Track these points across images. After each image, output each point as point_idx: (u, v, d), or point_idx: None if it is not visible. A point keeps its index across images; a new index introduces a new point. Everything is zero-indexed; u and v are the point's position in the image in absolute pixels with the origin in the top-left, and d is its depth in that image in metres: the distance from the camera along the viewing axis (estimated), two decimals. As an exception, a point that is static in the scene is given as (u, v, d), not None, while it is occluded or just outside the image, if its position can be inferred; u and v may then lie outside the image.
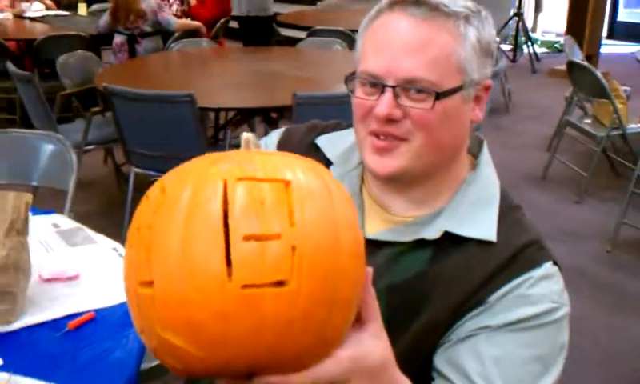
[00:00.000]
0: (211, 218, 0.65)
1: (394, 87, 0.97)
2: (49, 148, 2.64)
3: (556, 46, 9.46)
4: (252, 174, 0.68)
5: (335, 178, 1.10)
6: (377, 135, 1.01)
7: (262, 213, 0.65)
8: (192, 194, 0.67)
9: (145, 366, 1.42)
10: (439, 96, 0.97)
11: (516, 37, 8.68)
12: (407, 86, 0.97)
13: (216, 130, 4.54)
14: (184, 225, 0.65)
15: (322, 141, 1.20)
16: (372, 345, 0.79)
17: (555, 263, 1.02)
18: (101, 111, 4.02)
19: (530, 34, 8.94)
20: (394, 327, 1.02)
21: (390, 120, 0.98)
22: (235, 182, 0.67)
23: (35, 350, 1.35)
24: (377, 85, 0.99)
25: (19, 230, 1.43)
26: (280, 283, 0.64)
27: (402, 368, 0.86)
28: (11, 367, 1.26)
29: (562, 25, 8.66)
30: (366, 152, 1.04)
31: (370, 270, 0.80)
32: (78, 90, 4.15)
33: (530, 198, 4.46)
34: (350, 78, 1.04)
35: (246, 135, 0.78)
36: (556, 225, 4.06)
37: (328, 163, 1.15)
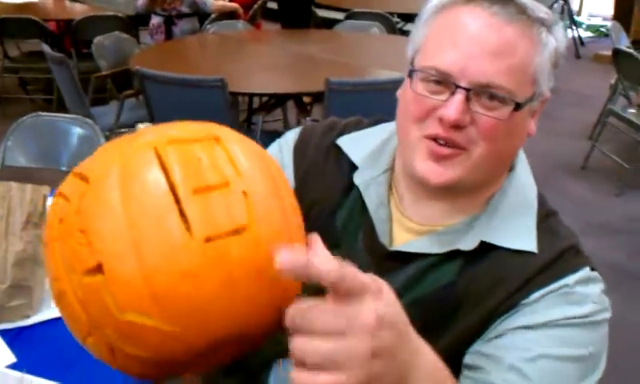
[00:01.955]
0: (153, 181, 0.61)
1: (467, 90, 0.89)
2: (78, 132, 2.65)
3: (602, 30, 9.20)
4: (179, 137, 0.66)
5: (360, 185, 1.06)
6: (434, 139, 0.92)
7: (204, 167, 0.63)
8: (121, 167, 0.63)
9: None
10: (519, 106, 0.90)
11: (560, 20, 8.45)
12: (483, 91, 0.89)
13: (249, 114, 4.50)
14: (122, 197, 0.61)
15: (345, 141, 1.11)
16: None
17: (593, 269, 0.96)
18: (134, 94, 4.02)
19: (575, 17, 8.71)
20: None
21: (456, 125, 0.90)
22: (166, 145, 0.64)
23: (50, 347, 1.34)
24: (447, 84, 0.91)
25: (36, 222, 1.41)
26: (240, 231, 0.61)
27: None
28: (25, 365, 1.25)
29: (609, 8, 8.41)
30: (417, 156, 0.94)
31: (315, 234, 0.68)
32: (112, 71, 4.16)
33: (568, 189, 4.35)
34: (413, 71, 0.94)
35: (140, 125, 0.73)
36: (594, 218, 3.95)
37: (352, 167, 1.07)
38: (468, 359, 0.94)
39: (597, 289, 0.94)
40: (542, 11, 0.91)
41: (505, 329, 0.92)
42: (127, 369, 0.64)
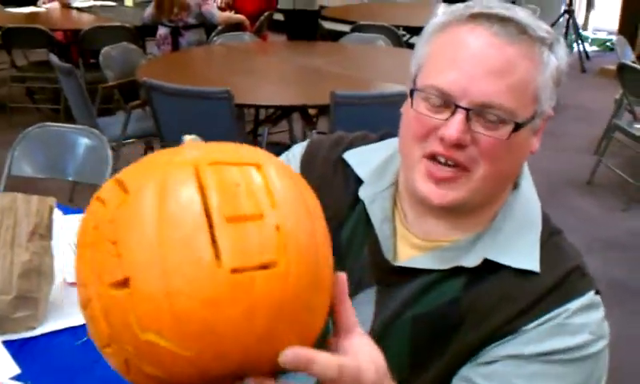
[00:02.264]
0: (189, 202, 0.61)
1: (467, 110, 0.89)
2: (85, 142, 2.66)
3: (607, 44, 9.20)
4: (222, 159, 0.65)
5: (365, 200, 1.06)
6: (433, 158, 0.93)
7: (241, 194, 0.63)
8: (160, 183, 0.62)
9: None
10: (519, 126, 0.90)
11: (566, 34, 8.45)
12: (483, 111, 0.89)
13: (255, 126, 4.51)
14: (158, 214, 0.61)
15: (351, 156, 1.11)
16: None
17: (597, 292, 0.95)
18: (141, 105, 4.03)
19: (581, 31, 8.71)
20: (422, 358, 0.97)
21: (457, 145, 0.90)
22: (207, 166, 0.64)
23: (53, 359, 1.34)
24: (447, 104, 0.90)
25: (42, 234, 1.42)
26: (268, 266, 0.61)
27: None
28: (28, 377, 1.25)
29: (614, 23, 8.42)
30: (418, 176, 0.95)
31: (343, 275, 0.73)
32: (118, 82, 4.17)
33: (574, 204, 4.33)
34: (414, 90, 0.94)
35: (187, 137, 0.72)
36: (600, 234, 3.93)
37: (358, 181, 1.08)
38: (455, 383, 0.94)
39: (597, 315, 0.94)
40: (542, 30, 0.91)
41: (498, 355, 0.92)
42: None
